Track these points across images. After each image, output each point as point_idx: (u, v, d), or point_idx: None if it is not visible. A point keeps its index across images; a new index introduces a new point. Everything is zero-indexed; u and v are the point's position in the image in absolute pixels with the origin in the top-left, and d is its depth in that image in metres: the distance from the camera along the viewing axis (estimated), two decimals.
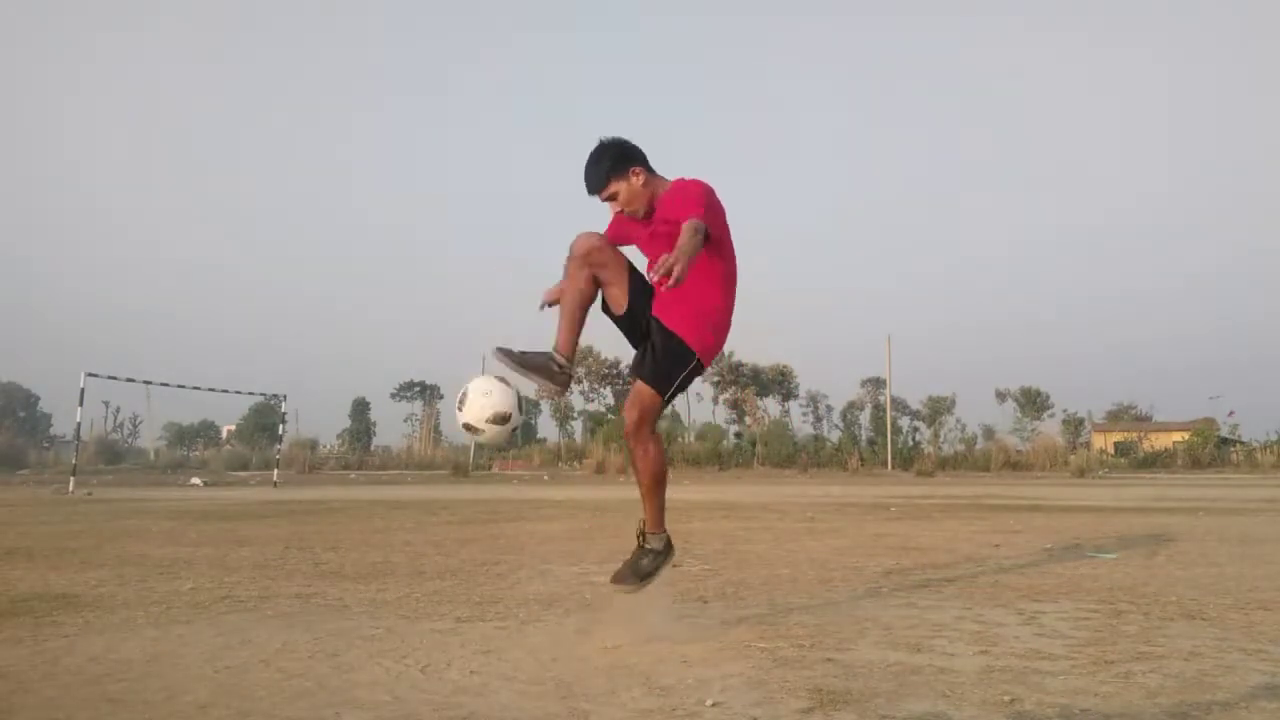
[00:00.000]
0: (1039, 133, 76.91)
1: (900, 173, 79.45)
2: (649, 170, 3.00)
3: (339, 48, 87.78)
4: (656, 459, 2.99)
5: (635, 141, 3.03)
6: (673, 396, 3.01)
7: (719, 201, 2.96)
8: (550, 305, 3.19)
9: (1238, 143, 72.11)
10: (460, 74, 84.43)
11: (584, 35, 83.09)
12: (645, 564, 3.03)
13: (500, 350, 2.91)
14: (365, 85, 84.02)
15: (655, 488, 3.03)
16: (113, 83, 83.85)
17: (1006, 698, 2.16)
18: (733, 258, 3.04)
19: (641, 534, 3.07)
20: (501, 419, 2.83)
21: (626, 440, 3.03)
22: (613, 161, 2.93)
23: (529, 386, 2.99)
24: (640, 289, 3.01)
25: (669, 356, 2.93)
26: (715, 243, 2.91)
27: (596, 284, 2.98)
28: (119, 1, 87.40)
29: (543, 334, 3.03)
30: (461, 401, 2.90)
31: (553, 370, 2.92)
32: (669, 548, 3.09)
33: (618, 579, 3.02)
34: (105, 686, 2.28)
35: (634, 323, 3.01)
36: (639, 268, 3.07)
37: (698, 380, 3.18)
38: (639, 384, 2.96)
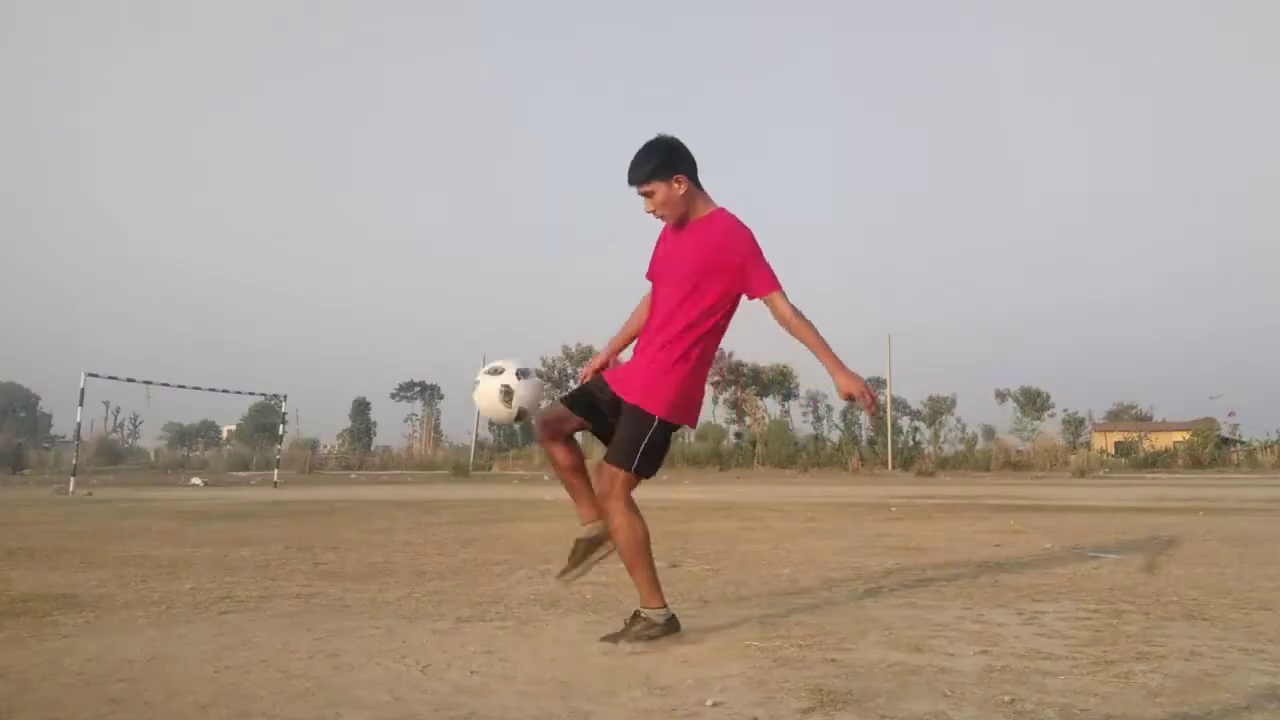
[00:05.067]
0: (1039, 132, 76.89)
1: (900, 172, 79.44)
2: (693, 182, 2.90)
3: (336, 47, 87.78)
4: (631, 529, 2.82)
5: (693, 152, 2.94)
6: (646, 464, 2.84)
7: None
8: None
9: (1238, 140, 72.08)
10: (459, 74, 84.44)
11: (585, 29, 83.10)
12: (637, 630, 2.82)
13: (562, 575, 3.08)
14: (363, 85, 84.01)
15: (637, 558, 2.84)
16: (113, 83, 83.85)
17: (1007, 698, 2.16)
18: (734, 309, 2.95)
19: (636, 613, 2.87)
20: (495, 371, 2.90)
21: (601, 505, 2.91)
22: (661, 160, 2.86)
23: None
24: (578, 401, 2.98)
25: (627, 426, 2.84)
26: (725, 296, 2.87)
27: (573, 449, 3.01)
28: (121, 5, 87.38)
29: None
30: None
31: (600, 540, 3.01)
32: (672, 623, 2.86)
33: (607, 638, 2.83)
34: (106, 686, 2.28)
35: (603, 420, 2.95)
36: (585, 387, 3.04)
37: None
38: (604, 463, 2.87)
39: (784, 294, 2.84)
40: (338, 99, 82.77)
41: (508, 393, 2.91)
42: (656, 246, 3.09)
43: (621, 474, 2.83)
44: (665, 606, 2.87)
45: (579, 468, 3.03)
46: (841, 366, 2.78)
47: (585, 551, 3.02)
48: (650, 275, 3.08)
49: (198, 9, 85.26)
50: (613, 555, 2.99)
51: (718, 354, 3.11)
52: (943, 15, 78.66)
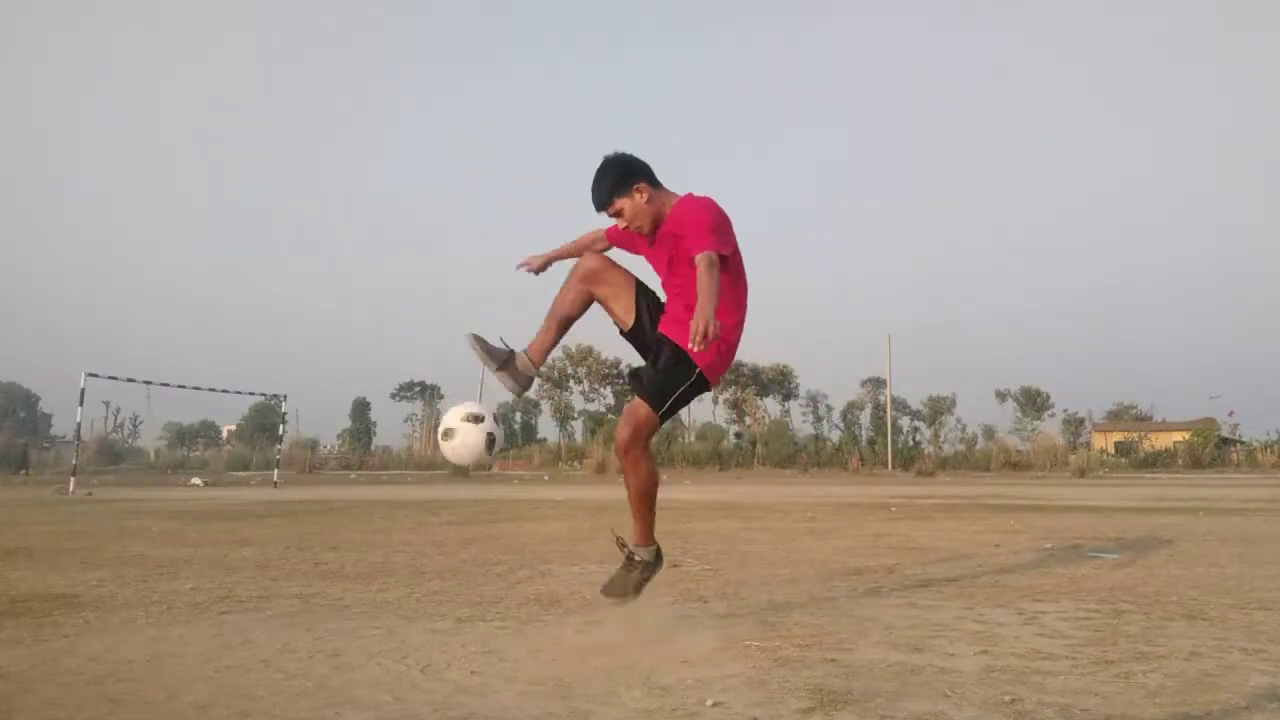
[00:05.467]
0: (1039, 132, 76.87)
1: (900, 171, 79.42)
2: (654, 185, 2.97)
3: (339, 47, 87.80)
4: (647, 475, 2.96)
5: (641, 154, 3.01)
6: (670, 413, 2.95)
7: (727, 218, 2.94)
8: (526, 269, 3.23)
9: (1238, 140, 72.07)
10: (462, 73, 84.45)
11: (587, 34, 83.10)
12: (636, 576, 3.00)
13: (474, 336, 2.97)
14: (366, 84, 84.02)
15: (643, 503, 2.99)
16: (114, 83, 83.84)
17: (1007, 698, 2.16)
18: (742, 275, 3.01)
19: (626, 547, 3.03)
20: (475, 419, 2.95)
21: (618, 455, 2.99)
22: (616, 179, 2.92)
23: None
24: (647, 305, 3.02)
25: (669, 371, 2.89)
26: (726, 265, 2.90)
27: (586, 304, 3.05)
28: (121, 2, 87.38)
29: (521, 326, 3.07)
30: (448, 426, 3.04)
31: (516, 368, 2.98)
32: (658, 558, 3.06)
33: (608, 590, 3.02)
34: (106, 686, 2.28)
35: (641, 339, 3.03)
36: (648, 283, 3.09)
37: None
38: (635, 400, 2.94)
39: (711, 254, 2.76)
40: (338, 98, 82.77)
41: (492, 440, 2.99)
42: (636, 246, 3.15)
43: (650, 416, 2.89)
44: (655, 544, 3.02)
45: (573, 318, 3.07)
46: (704, 306, 2.66)
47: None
48: (613, 237, 3.15)
49: (199, 6, 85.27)
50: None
51: (722, 372, 3.15)
52: (945, 16, 78.65)
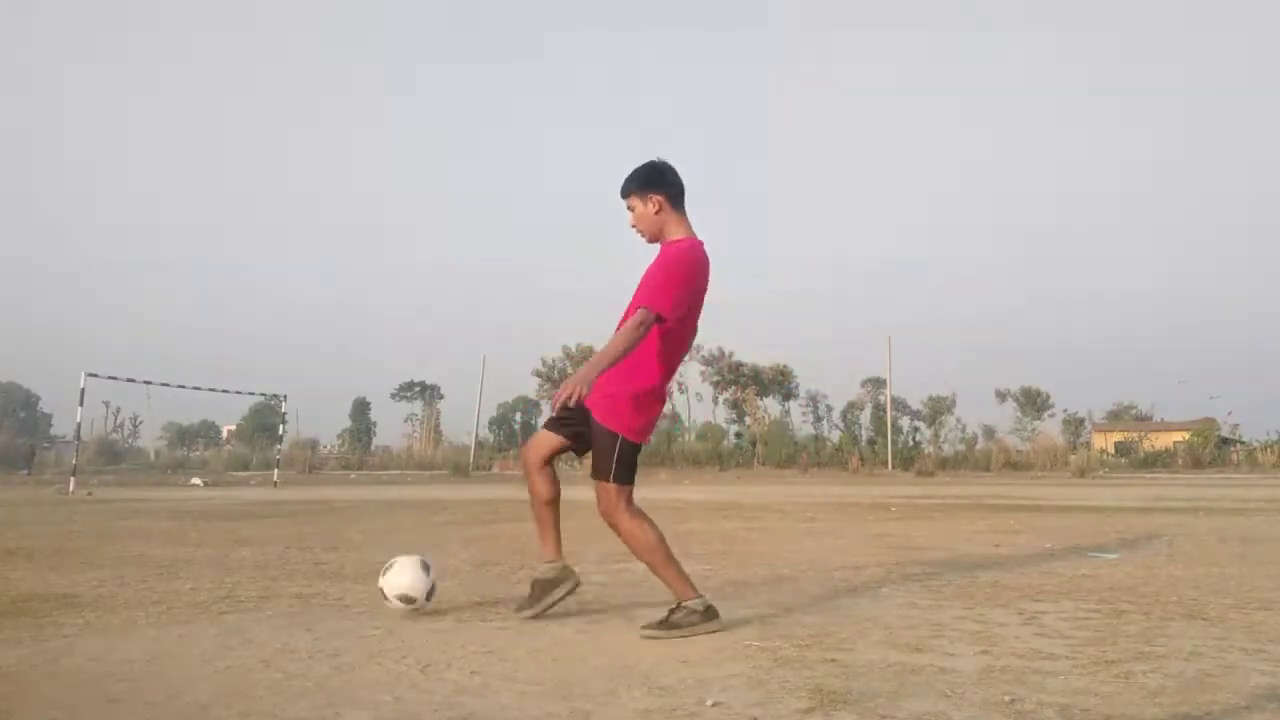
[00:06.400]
0: (1039, 131, 76.91)
1: (899, 172, 79.47)
2: (671, 204, 3.08)
3: (340, 46, 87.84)
4: (641, 535, 2.99)
5: (681, 177, 3.13)
6: (624, 475, 3.00)
7: (693, 269, 3.00)
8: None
9: (1238, 141, 72.14)
10: (461, 74, 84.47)
11: (587, 35, 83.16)
12: (678, 618, 2.92)
13: (519, 612, 3.18)
14: (367, 84, 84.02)
15: (656, 560, 2.98)
16: (113, 82, 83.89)
17: (1007, 698, 2.16)
18: (686, 329, 3.06)
19: (679, 604, 2.96)
20: (407, 600, 3.18)
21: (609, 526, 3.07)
22: (642, 180, 3.09)
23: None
24: (561, 418, 3.09)
25: (597, 442, 3.01)
26: (663, 324, 2.93)
27: (552, 475, 3.16)
28: (122, 1, 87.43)
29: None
30: (387, 570, 3.24)
31: (558, 581, 3.17)
32: (711, 611, 2.94)
33: (647, 626, 2.93)
34: (106, 686, 2.28)
35: (582, 436, 3.09)
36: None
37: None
38: (593, 481, 3.03)
39: (645, 311, 2.86)
40: (338, 98, 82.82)
41: (419, 607, 3.21)
42: None
43: (611, 486, 2.99)
44: (701, 597, 2.98)
45: (555, 500, 3.17)
46: (590, 369, 2.74)
47: (543, 591, 3.16)
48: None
49: (201, 6, 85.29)
50: (576, 592, 3.20)
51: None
52: (952, 16, 78.71)
